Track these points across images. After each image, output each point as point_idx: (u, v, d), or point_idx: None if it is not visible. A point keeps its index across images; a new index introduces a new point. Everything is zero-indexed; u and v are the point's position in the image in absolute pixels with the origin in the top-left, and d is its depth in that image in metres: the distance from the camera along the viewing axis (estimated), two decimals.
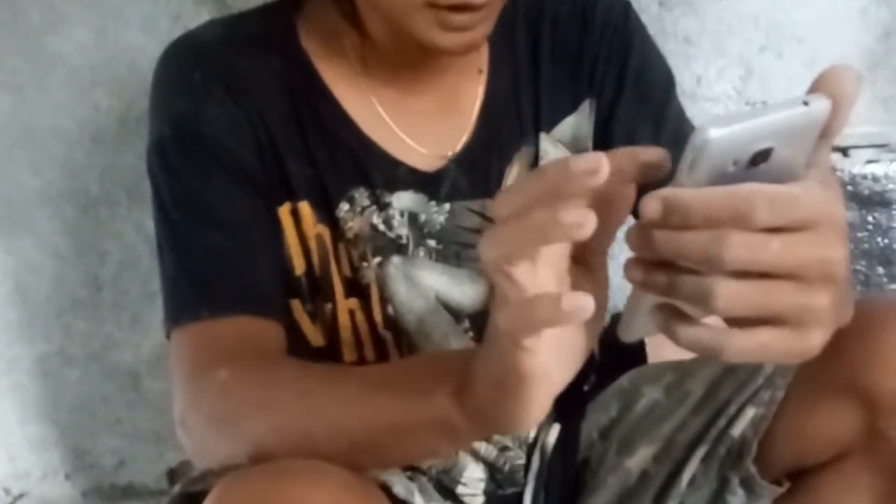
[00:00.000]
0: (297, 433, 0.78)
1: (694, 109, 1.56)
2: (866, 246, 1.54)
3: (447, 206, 1.02)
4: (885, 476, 0.86)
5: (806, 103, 0.54)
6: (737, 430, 0.94)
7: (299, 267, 1.01)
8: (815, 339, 0.59)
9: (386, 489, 0.86)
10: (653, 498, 1.02)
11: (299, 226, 1.00)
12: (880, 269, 1.54)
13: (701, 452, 0.97)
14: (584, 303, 0.55)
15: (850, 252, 1.49)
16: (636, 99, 1.05)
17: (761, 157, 0.55)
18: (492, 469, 1.08)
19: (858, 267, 1.54)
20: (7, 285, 1.58)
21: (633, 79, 1.05)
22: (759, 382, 0.93)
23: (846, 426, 0.86)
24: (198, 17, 1.45)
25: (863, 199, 1.53)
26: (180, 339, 0.93)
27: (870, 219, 1.54)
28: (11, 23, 1.46)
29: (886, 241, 1.54)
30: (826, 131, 0.56)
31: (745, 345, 0.57)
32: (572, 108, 1.06)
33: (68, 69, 1.48)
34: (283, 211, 0.99)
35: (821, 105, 0.55)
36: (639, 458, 1.04)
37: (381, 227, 1.01)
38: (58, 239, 1.55)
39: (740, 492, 0.94)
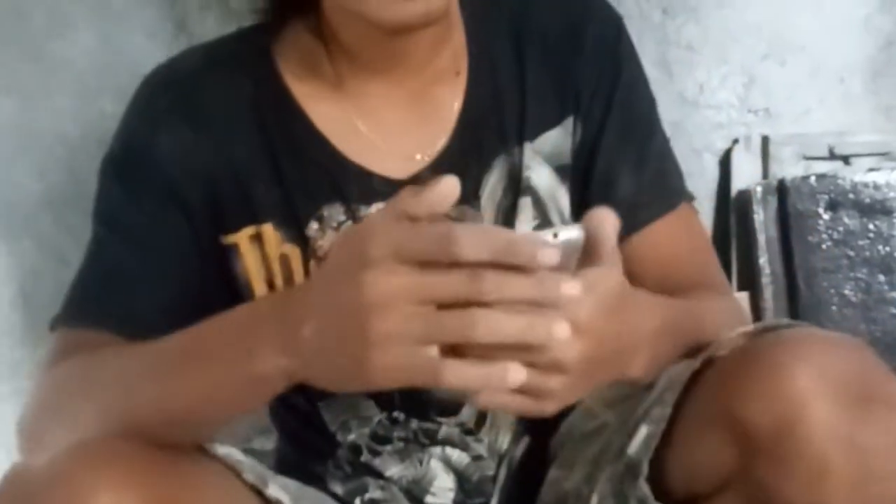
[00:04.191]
0: (118, 411, 0.81)
1: (697, 117, 1.57)
2: (867, 254, 1.54)
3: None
4: None
5: (555, 235, 0.69)
6: (632, 448, 0.92)
7: (260, 291, 1.02)
8: (548, 407, 0.73)
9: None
10: None
11: (262, 249, 1.02)
12: (881, 278, 1.54)
13: (606, 472, 0.97)
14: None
15: (847, 262, 1.50)
16: (621, 131, 1.06)
17: None
18: (461, 478, 1.08)
19: (859, 275, 1.54)
20: (10, 289, 1.58)
21: (619, 108, 1.06)
22: (654, 397, 0.91)
23: (723, 458, 0.84)
24: (202, 22, 1.46)
25: (864, 207, 1.53)
26: (55, 339, 0.97)
27: (871, 227, 1.54)
28: (16, 27, 1.46)
29: (887, 249, 1.54)
30: (595, 253, 0.73)
31: (460, 375, 0.67)
32: (556, 122, 1.06)
33: (73, 74, 1.49)
34: (242, 236, 1.01)
35: (569, 234, 0.70)
36: (571, 476, 1.03)
37: None
38: (61, 243, 1.55)
39: None
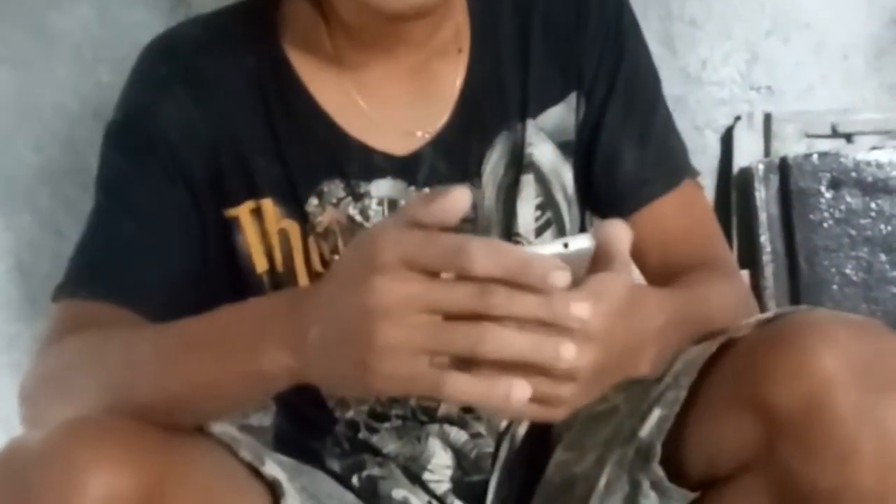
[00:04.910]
0: (119, 390, 0.80)
1: (699, 93, 1.56)
2: (869, 233, 1.53)
3: (426, 191, 1.02)
4: (779, 495, 0.84)
5: (566, 245, 0.69)
6: (644, 431, 0.92)
7: (261, 265, 1.02)
8: (558, 414, 0.72)
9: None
10: (579, 500, 1.00)
11: (261, 223, 1.01)
12: (883, 257, 1.54)
13: (615, 455, 0.97)
14: None
15: (849, 241, 1.50)
16: (624, 107, 1.05)
17: None
18: (459, 456, 1.07)
19: (861, 254, 1.53)
20: (7, 262, 1.58)
21: (623, 84, 1.05)
22: (668, 381, 0.91)
23: (745, 440, 0.84)
24: None
25: (866, 185, 1.53)
26: (57, 310, 0.97)
27: (873, 206, 1.53)
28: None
29: (889, 228, 1.53)
30: (606, 262, 0.71)
31: (463, 389, 0.66)
32: (559, 98, 1.05)
33: (71, 46, 1.48)
34: (244, 210, 1.01)
35: (580, 244, 0.70)
36: (580, 459, 1.03)
37: (358, 217, 1.02)
38: (59, 217, 1.55)
39: (652, 495, 0.92)
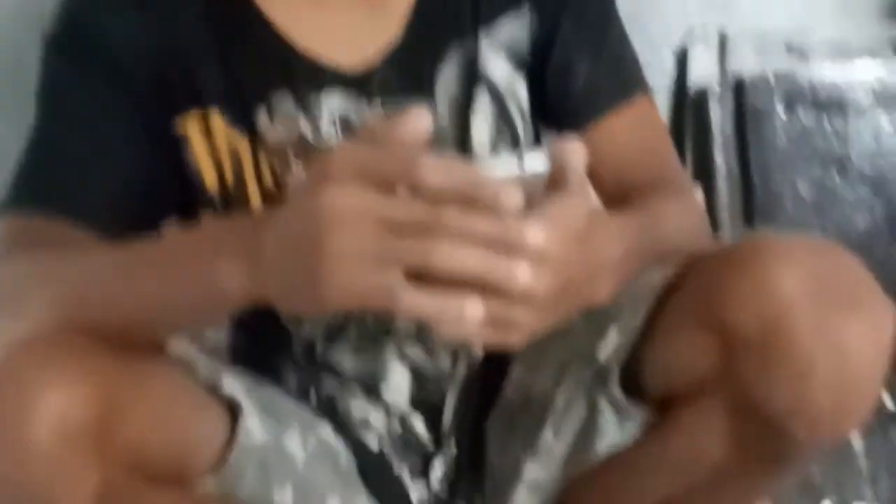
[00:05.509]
0: (72, 306, 0.79)
1: (654, 11, 1.55)
2: (823, 152, 1.55)
3: (378, 103, 1.01)
4: (737, 415, 0.87)
5: (521, 161, 0.71)
6: (602, 354, 0.93)
7: (210, 181, 1.00)
8: (512, 339, 0.70)
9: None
10: (536, 418, 1.02)
11: (210, 138, 0.99)
12: (836, 175, 1.55)
13: (572, 375, 0.98)
14: None
15: (803, 160, 1.51)
16: (578, 20, 1.05)
17: None
18: (417, 373, 1.08)
19: (814, 173, 1.55)
20: None
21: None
22: (625, 304, 0.91)
23: (703, 360, 0.86)
24: None
25: (821, 104, 1.54)
26: (2, 227, 0.94)
27: (827, 125, 1.54)
28: None
29: (843, 147, 1.55)
30: (562, 183, 0.70)
31: (416, 302, 0.65)
32: (512, 10, 1.04)
33: None
34: (192, 123, 0.99)
35: (535, 166, 0.70)
36: (536, 377, 1.04)
37: (309, 132, 1.00)
38: None
39: (611, 414, 0.95)
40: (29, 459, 0.72)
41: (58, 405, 0.72)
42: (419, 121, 0.67)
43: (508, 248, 0.66)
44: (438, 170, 0.64)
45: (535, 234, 0.66)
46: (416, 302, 0.65)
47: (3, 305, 0.84)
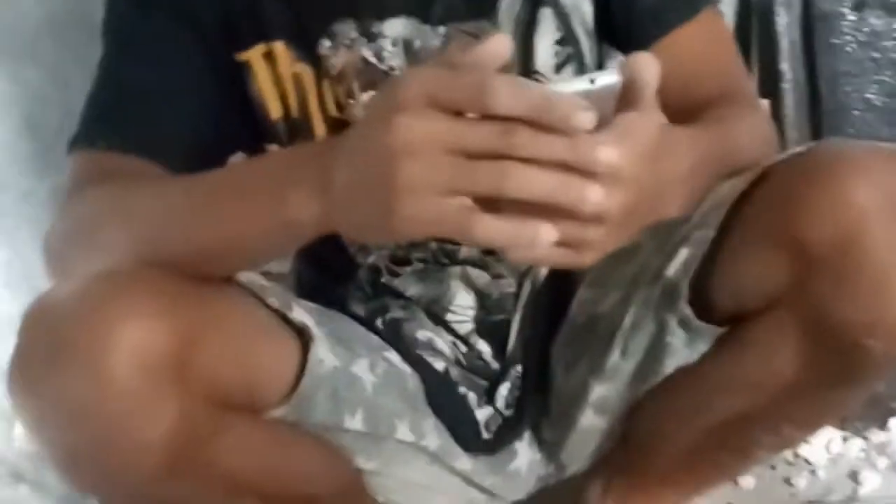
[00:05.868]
0: (148, 241, 0.81)
1: None
2: (893, 56, 1.50)
3: (441, 29, 1.00)
4: (810, 331, 0.86)
5: (592, 81, 0.66)
6: (671, 270, 0.92)
7: (275, 111, 1.01)
8: (587, 258, 0.70)
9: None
10: (603, 338, 1.02)
11: (274, 68, 0.99)
12: None
13: (641, 294, 0.97)
14: None
15: (872, 65, 1.47)
16: None
17: None
18: (481, 296, 1.08)
19: (884, 78, 1.50)
20: (16, 117, 1.57)
21: None
22: (696, 220, 0.91)
23: (776, 276, 0.85)
24: None
25: (891, 6, 1.48)
26: (75, 161, 0.96)
27: None
28: None
29: None
30: (634, 99, 0.68)
31: (490, 229, 0.64)
32: None
33: None
34: (255, 54, 0.99)
35: (606, 80, 0.67)
36: (604, 297, 1.03)
37: (372, 59, 1.00)
38: (65, 68, 1.53)
39: (680, 332, 0.94)
40: (109, 391, 0.74)
41: (137, 338, 0.74)
42: (498, 47, 0.66)
43: (581, 169, 0.65)
44: (509, 93, 0.63)
45: (609, 153, 0.65)
46: (490, 229, 0.64)
47: (80, 240, 0.86)
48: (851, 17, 1.48)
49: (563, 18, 1.02)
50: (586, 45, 1.04)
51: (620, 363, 1.00)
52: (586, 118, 0.63)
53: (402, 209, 0.65)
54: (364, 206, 0.68)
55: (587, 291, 1.05)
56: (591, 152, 0.64)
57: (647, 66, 0.69)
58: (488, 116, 0.63)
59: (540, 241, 0.65)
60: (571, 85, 0.67)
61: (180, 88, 0.96)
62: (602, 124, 0.65)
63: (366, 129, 0.68)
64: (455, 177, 0.64)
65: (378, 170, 0.66)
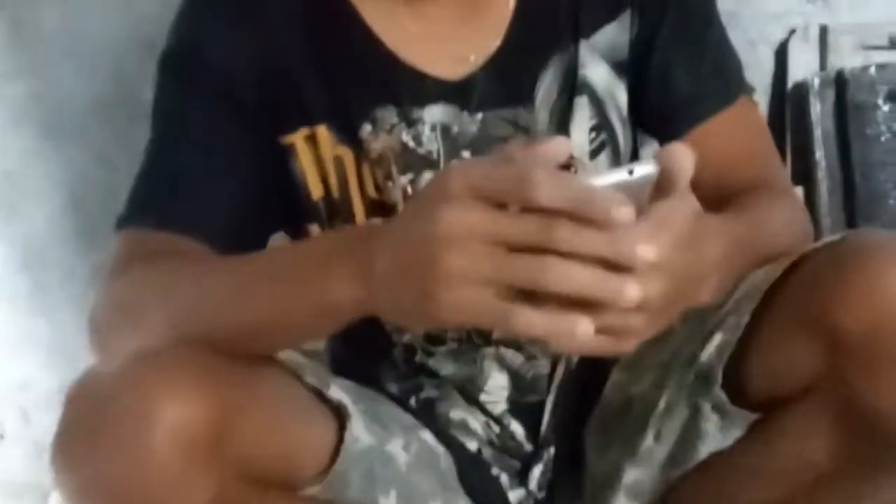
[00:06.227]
0: (190, 319, 0.81)
1: (752, 7, 1.54)
2: None
3: (479, 115, 1.02)
4: (843, 419, 0.86)
5: (631, 172, 0.67)
6: (705, 356, 0.93)
7: (316, 191, 1.02)
8: (627, 346, 0.70)
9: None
10: (637, 422, 1.01)
11: (316, 150, 1.01)
12: None
13: (674, 378, 0.97)
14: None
15: None
16: (678, 23, 1.04)
17: None
18: (515, 377, 1.08)
19: None
20: (61, 196, 1.60)
21: (675, 3, 1.04)
22: (730, 307, 0.91)
23: (809, 363, 0.85)
24: None
25: None
26: (121, 239, 0.97)
27: None
28: None
29: None
30: (669, 188, 0.69)
31: (528, 322, 0.64)
32: (612, 16, 1.03)
33: None
34: (298, 137, 1.01)
35: (644, 171, 0.67)
36: (638, 381, 1.03)
37: (411, 143, 1.01)
38: (109, 148, 1.56)
39: (714, 417, 0.94)
40: (148, 467, 0.74)
41: (177, 415, 0.74)
42: (560, 148, 0.67)
43: (619, 263, 0.65)
44: (551, 186, 0.64)
45: (647, 251, 0.65)
46: (529, 321, 0.65)
47: (125, 317, 0.87)
48: (885, 108, 1.50)
49: (598, 106, 1.04)
50: (621, 131, 1.06)
51: (654, 447, 1.00)
52: (626, 213, 0.63)
53: (442, 297, 0.66)
54: (405, 292, 0.69)
55: (621, 374, 1.05)
56: (630, 249, 0.65)
57: (683, 156, 0.70)
58: (530, 208, 0.64)
59: (578, 335, 0.65)
60: (610, 176, 0.67)
61: (226, 171, 0.98)
62: (638, 212, 0.66)
63: (410, 217, 0.70)
64: (496, 268, 0.65)
65: (421, 258, 0.66)
